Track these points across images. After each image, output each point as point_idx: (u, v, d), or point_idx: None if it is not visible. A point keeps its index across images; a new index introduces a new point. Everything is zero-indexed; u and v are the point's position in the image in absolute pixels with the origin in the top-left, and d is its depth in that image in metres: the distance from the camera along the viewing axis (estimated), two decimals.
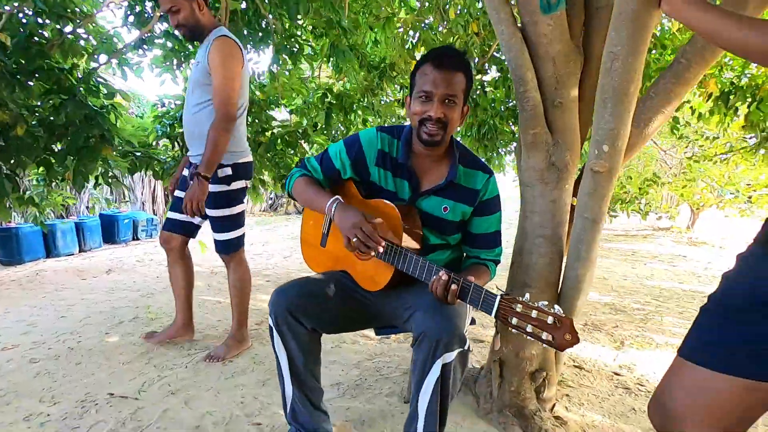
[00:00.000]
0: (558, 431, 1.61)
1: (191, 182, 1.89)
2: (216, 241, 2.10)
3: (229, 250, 2.10)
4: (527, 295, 1.10)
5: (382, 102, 4.14)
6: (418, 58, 3.95)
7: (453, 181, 1.35)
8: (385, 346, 2.46)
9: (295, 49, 3.24)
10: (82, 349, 2.26)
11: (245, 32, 2.98)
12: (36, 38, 2.36)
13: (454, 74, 1.25)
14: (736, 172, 6.00)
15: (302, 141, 3.72)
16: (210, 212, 2.03)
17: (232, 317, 2.23)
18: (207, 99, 1.93)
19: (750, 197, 6.61)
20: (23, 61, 2.31)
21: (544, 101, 1.47)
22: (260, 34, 3.13)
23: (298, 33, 3.39)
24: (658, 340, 2.70)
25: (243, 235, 2.17)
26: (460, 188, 1.37)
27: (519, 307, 1.09)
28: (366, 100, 3.84)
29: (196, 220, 2.10)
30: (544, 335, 1.05)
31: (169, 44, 3.17)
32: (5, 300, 3.42)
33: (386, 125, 1.58)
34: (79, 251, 5.42)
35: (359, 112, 3.82)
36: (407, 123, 1.43)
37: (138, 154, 3.04)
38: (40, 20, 2.43)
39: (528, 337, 1.07)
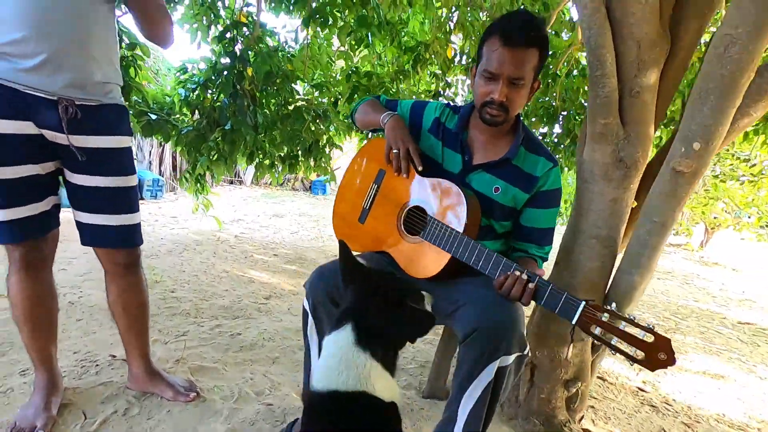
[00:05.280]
0: None
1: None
2: (118, 229, 1.29)
3: (139, 239, 1.37)
4: (614, 305, 0.99)
5: (410, 89, 3.91)
6: (454, 41, 3.77)
7: (510, 160, 1.24)
8: None
9: (328, 20, 3.01)
10: (84, 305, 2.15)
11: None
12: None
13: (525, 52, 1.13)
14: (760, 196, 5.87)
15: (318, 120, 3.52)
16: (114, 181, 1.25)
17: (136, 350, 1.44)
18: None
19: None
20: None
21: (620, 89, 1.33)
22: None
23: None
24: (680, 361, 2.59)
25: None
26: (517, 170, 1.25)
27: (605, 317, 0.97)
28: (395, 85, 3.63)
29: (49, 202, 1.28)
30: (634, 351, 0.93)
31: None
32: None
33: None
34: None
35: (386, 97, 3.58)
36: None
37: (154, 117, 2.84)
38: None
39: (612, 352, 0.95)
